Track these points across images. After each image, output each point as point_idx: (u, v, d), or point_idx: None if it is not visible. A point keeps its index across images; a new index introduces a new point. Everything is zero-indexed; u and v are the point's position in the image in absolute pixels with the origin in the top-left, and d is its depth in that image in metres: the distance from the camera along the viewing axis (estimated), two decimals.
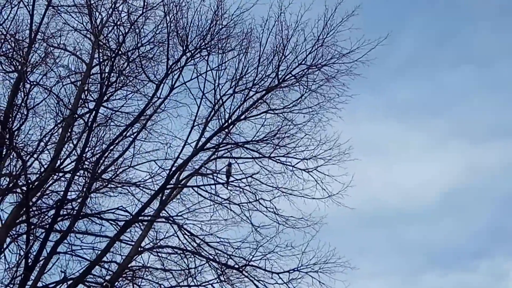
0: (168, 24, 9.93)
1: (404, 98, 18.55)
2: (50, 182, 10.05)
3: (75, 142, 9.98)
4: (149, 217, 9.97)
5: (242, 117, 10.44)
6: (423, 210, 18.76)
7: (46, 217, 9.84)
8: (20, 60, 9.54)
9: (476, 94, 19.70)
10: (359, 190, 10.16)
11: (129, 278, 9.84)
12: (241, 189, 10.21)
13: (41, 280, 9.32)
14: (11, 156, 9.63)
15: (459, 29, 19.41)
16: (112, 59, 9.76)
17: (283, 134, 10.33)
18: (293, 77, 10.32)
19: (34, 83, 9.77)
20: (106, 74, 9.79)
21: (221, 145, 10.44)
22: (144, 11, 9.94)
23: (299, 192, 10.15)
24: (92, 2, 9.95)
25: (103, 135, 10.19)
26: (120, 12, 9.94)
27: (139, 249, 9.82)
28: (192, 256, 9.94)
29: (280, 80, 10.30)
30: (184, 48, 10.08)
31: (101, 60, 9.91)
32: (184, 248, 9.98)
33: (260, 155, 10.35)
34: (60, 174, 10.08)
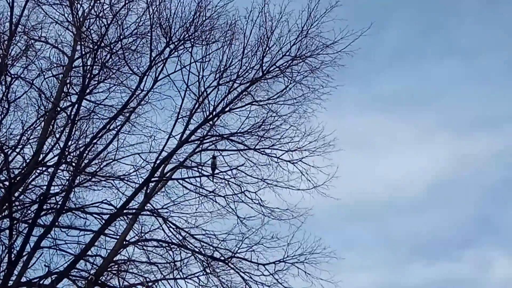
0: (151, 16, 9.92)
1: (390, 90, 18.71)
2: (33, 176, 10.04)
3: (57, 135, 9.93)
4: (134, 211, 9.98)
5: (227, 109, 10.46)
6: (410, 202, 18.98)
7: (29, 211, 9.81)
8: (0, 53, 9.47)
9: (462, 86, 19.93)
10: (345, 182, 10.27)
11: (114, 271, 9.84)
12: (226, 181, 10.26)
13: (24, 275, 9.30)
14: None
15: (445, 21, 19.60)
16: (95, 51, 9.70)
17: (268, 126, 10.40)
18: (277, 69, 10.37)
19: (15, 76, 9.73)
20: (89, 67, 9.75)
21: (205, 138, 10.46)
22: (126, 2, 9.90)
23: (284, 184, 10.24)
24: None
25: (86, 128, 10.18)
26: (102, 3, 9.91)
27: (124, 242, 9.83)
28: (178, 249, 9.96)
29: (265, 72, 10.34)
30: (168, 40, 10.07)
31: (83, 52, 9.87)
32: (170, 241, 10.02)
33: (245, 147, 10.38)
34: (43, 168, 10.06)
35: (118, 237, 9.85)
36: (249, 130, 10.39)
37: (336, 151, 10.20)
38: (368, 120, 16.25)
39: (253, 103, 10.50)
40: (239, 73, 10.36)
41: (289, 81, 10.35)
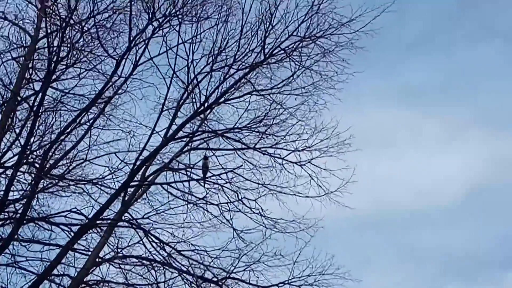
0: None
1: (416, 79, 18.66)
2: None
3: (18, 131, 9.91)
4: (109, 221, 9.98)
5: (221, 100, 10.45)
6: (440, 211, 18.89)
7: None
8: None
9: (502, 74, 19.80)
10: (362, 187, 10.27)
11: None
12: (220, 187, 10.25)
13: None
14: None
15: None
16: (62, 30, 9.68)
17: (271, 120, 10.36)
18: (282, 51, 10.34)
19: None
20: (55, 48, 9.73)
21: (196, 134, 10.46)
22: None
23: (290, 190, 10.23)
24: None
25: (52, 122, 10.13)
26: None
27: (97, 259, 9.83)
28: (162, 267, 9.96)
29: (267, 55, 10.31)
30: (150, 16, 10.03)
31: (48, 31, 9.82)
32: (152, 258, 10.01)
33: (243, 146, 10.37)
34: (0, 170, 9.99)
35: (90, 253, 9.83)
36: (248, 126, 10.38)
37: (352, 151, 10.19)
38: (390, 114, 16.24)
39: (253, 92, 10.49)
40: (237, 57, 10.34)
41: (297, 66, 10.34)
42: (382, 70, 15.35)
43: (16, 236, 9.58)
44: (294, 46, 10.31)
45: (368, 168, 11.38)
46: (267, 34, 10.24)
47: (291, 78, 10.34)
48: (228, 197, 10.22)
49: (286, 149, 10.32)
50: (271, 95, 10.44)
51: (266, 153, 10.34)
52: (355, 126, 10.13)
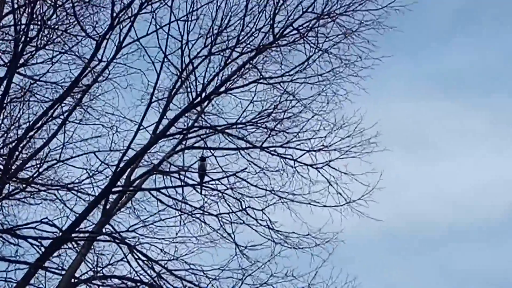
0: None
1: (457, 64, 18.52)
2: None
3: None
4: (87, 234, 9.95)
5: (222, 89, 10.45)
6: (483, 226, 18.77)
7: None
8: None
9: None
10: (390, 195, 10.33)
11: None
12: (220, 194, 10.22)
13: None
14: None
15: None
16: (32, 4, 9.68)
17: (281, 114, 10.37)
18: (295, 32, 10.33)
19: None
20: (23, 27, 9.71)
21: (191, 130, 10.45)
22: None
23: (304, 198, 10.22)
24: None
25: (19, 115, 10.10)
26: None
27: (73, 280, 9.79)
28: None
29: (277, 36, 10.30)
30: None
31: (15, 5, 9.80)
32: (138, 278, 9.98)
33: (248, 145, 10.36)
34: None
35: (64, 272, 9.80)
36: (254, 120, 10.39)
37: (379, 152, 10.17)
38: (424, 107, 16.18)
39: (260, 80, 10.50)
40: (240, 38, 10.32)
41: (313, 49, 10.32)
42: (414, 54, 15.29)
43: None
44: (310, 25, 10.32)
45: (398, 172, 11.36)
46: (277, 11, 10.24)
47: (306, 63, 10.35)
48: (229, 207, 10.22)
49: (299, 149, 10.33)
50: (281, 83, 10.45)
51: (276, 153, 10.34)
52: (382, 122, 10.17)
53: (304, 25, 10.30)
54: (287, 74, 10.37)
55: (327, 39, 10.30)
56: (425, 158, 16.45)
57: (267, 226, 10.13)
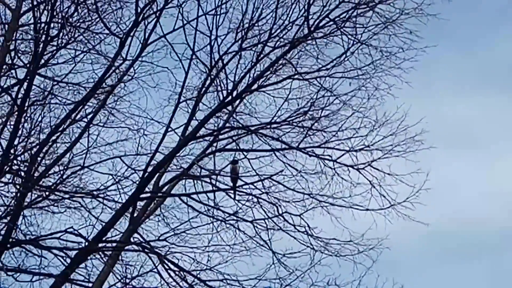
0: None
1: (507, 57, 18.13)
2: None
3: None
4: (115, 244, 9.95)
5: (254, 86, 10.46)
6: None
7: None
8: None
9: None
10: (439, 198, 10.31)
11: None
12: (255, 199, 10.18)
13: None
14: None
15: None
16: (52, 1, 9.69)
17: (319, 112, 10.34)
18: (332, 23, 10.30)
19: None
20: (44, 25, 9.74)
21: (222, 131, 10.45)
22: None
23: (345, 201, 10.16)
24: None
25: (40, 118, 10.11)
26: None
27: None
28: None
29: (312, 28, 10.27)
30: None
31: (35, 3, 9.83)
32: None
33: (284, 146, 10.33)
34: None
35: (91, 284, 9.79)
36: (289, 119, 10.37)
37: (425, 150, 10.07)
38: (475, 102, 15.92)
39: (295, 76, 10.48)
40: (273, 31, 10.32)
41: (351, 41, 10.29)
42: (461, 44, 15.05)
43: None
44: (347, 16, 10.28)
45: (445, 172, 11.20)
46: (311, 2, 10.21)
47: (344, 56, 10.31)
48: (265, 212, 10.19)
49: (339, 149, 10.29)
50: (318, 79, 10.42)
51: (313, 154, 10.30)
52: (428, 118, 10.05)
53: (341, 16, 10.28)
54: (323, 68, 10.37)
55: (365, 30, 10.29)
56: (477, 157, 16.19)
57: (305, 233, 10.09)
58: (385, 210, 10.05)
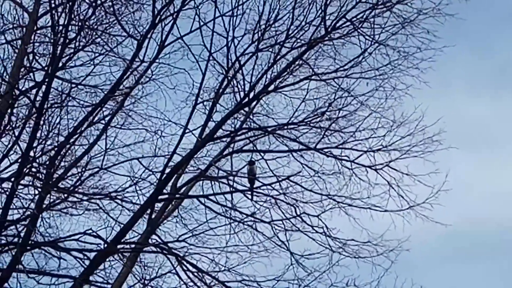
0: None
1: None
2: None
3: (16, 133, 10.00)
4: (133, 246, 10.03)
5: (271, 87, 10.49)
6: None
7: None
8: None
9: None
10: (456, 197, 10.19)
11: None
12: (273, 200, 10.22)
13: None
14: None
15: None
16: (70, 3, 9.75)
17: (336, 112, 10.36)
18: (349, 23, 10.32)
19: None
20: (61, 28, 9.80)
21: (239, 132, 10.50)
22: None
23: (363, 202, 10.19)
24: None
25: (58, 121, 10.16)
26: None
27: None
28: None
29: (329, 29, 10.30)
30: None
31: (52, 5, 9.91)
32: None
33: (301, 146, 10.37)
34: None
35: (110, 286, 9.89)
36: (306, 120, 10.41)
37: (443, 150, 10.09)
38: (494, 102, 15.83)
39: (312, 77, 10.50)
40: (290, 32, 10.34)
41: (368, 42, 10.30)
42: (479, 44, 14.99)
43: (17, 267, 9.66)
44: (364, 16, 10.29)
45: (464, 172, 11.17)
46: (328, 2, 10.24)
47: (361, 57, 10.33)
48: (283, 213, 10.22)
49: (356, 150, 10.31)
50: (335, 79, 10.45)
51: (331, 155, 10.32)
52: (446, 118, 10.06)
53: (358, 16, 10.29)
54: (341, 69, 10.38)
55: (383, 30, 10.28)
56: (496, 158, 16.06)
57: (323, 233, 10.13)
58: (404, 211, 10.06)
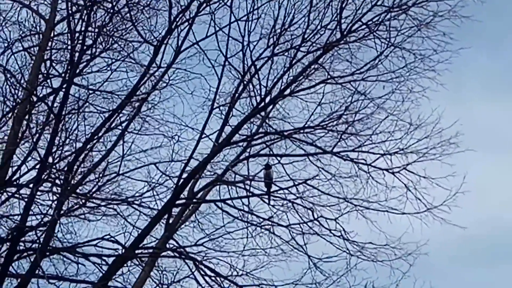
0: None
1: None
2: None
3: (34, 139, 10.19)
4: (151, 251, 10.14)
5: (287, 91, 10.56)
6: None
7: None
8: None
9: None
10: (474, 200, 10.15)
11: None
12: (290, 204, 10.32)
13: None
14: None
15: None
16: (87, 10, 9.89)
17: (353, 116, 10.42)
18: (364, 27, 10.39)
19: None
20: (78, 35, 9.96)
21: (255, 137, 10.58)
22: None
23: (380, 205, 10.24)
24: None
25: (75, 127, 10.29)
26: None
27: None
28: None
29: (345, 32, 10.38)
30: None
31: (69, 12, 10.06)
32: None
33: (318, 150, 10.44)
34: (14, 190, 10.32)
35: None
36: (323, 124, 10.46)
37: (461, 153, 10.14)
38: (506, 104, 15.80)
39: (328, 80, 10.56)
40: (305, 36, 10.42)
41: (384, 45, 10.37)
42: (496, 46, 14.98)
43: (36, 272, 9.81)
44: (380, 19, 10.36)
45: (482, 175, 11.18)
46: (344, 5, 10.31)
47: (377, 60, 10.37)
48: (300, 217, 10.31)
49: (373, 153, 10.36)
50: (351, 83, 10.51)
51: (348, 158, 10.37)
52: (463, 120, 10.07)
53: (374, 19, 10.35)
54: (357, 72, 10.41)
55: (399, 33, 10.32)
56: (506, 160, 16.06)
57: (341, 237, 10.19)
58: (421, 213, 10.08)
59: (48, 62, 10.53)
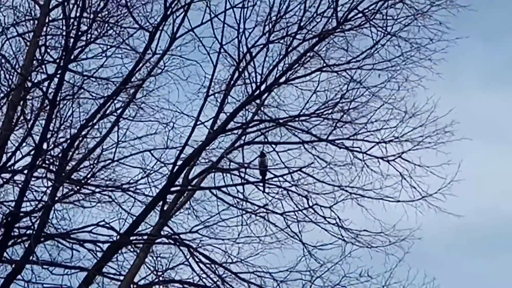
0: None
1: None
2: None
3: (29, 125, 10.19)
4: (146, 237, 10.17)
5: (282, 79, 10.58)
6: None
7: None
8: None
9: None
10: (471, 189, 10.37)
11: None
12: (285, 191, 10.36)
13: None
14: None
15: None
16: None
17: (348, 104, 10.44)
18: (361, 15, 10.40)
19: None
20: (73, 20, 9.96)
21: (250, 124, 10.60)
22: None
23: (375, 193, 10.28)
24: None
25: (70, 113, 10.34)
26: None
27: (132, 285, 10.01)
28: None
29: (341, 20, 10.41)
30: None
31: None
32: (201, 283, 10.18)
33: (313, 138, 10.48)
34: (9, 176, 10.33)
35: (122, 277, 10.03)
36: (318, 112, 10.49)
37: (455, 141, 10.17)
38: (506, 93, 15.79)
39: (324, 68, 10.58)
40: (302, 24, 10.44)
41: (380, 33, 10.39)
42: (491, 36, 15.03)
43: (31, 258, 9.83)
44: (376, 7, 10.38)
45: (477, 163, 11.21)
46: None
47: (373, 48, 10.39)
48: (295, 204, 10.35)
49: (368, 141, 10.40)
50: (347, 71, 10.52)
51: (343, 146, 10.41)
52: (458, 109, 10.08)
53: (370, 8, 10.37)
54: (353, 60, 10.42)
55: (395, 22, 10.34)
56: (501, 150, 16.10)
57: (336, 224, 10.24)
58: (416, 201, 10.13)
59: (43, 48, 10.49)
